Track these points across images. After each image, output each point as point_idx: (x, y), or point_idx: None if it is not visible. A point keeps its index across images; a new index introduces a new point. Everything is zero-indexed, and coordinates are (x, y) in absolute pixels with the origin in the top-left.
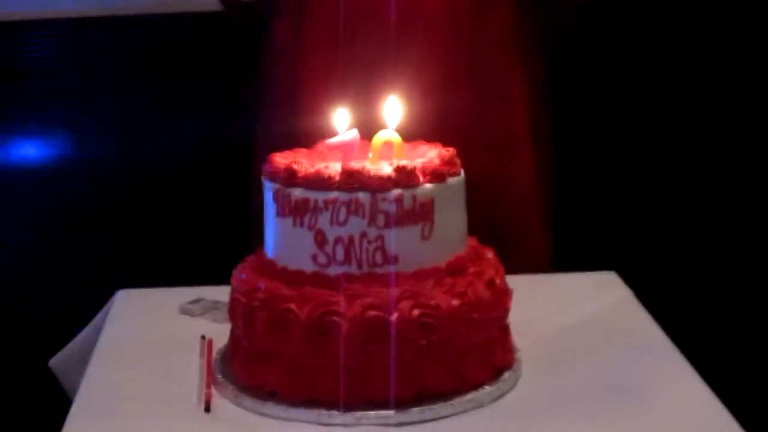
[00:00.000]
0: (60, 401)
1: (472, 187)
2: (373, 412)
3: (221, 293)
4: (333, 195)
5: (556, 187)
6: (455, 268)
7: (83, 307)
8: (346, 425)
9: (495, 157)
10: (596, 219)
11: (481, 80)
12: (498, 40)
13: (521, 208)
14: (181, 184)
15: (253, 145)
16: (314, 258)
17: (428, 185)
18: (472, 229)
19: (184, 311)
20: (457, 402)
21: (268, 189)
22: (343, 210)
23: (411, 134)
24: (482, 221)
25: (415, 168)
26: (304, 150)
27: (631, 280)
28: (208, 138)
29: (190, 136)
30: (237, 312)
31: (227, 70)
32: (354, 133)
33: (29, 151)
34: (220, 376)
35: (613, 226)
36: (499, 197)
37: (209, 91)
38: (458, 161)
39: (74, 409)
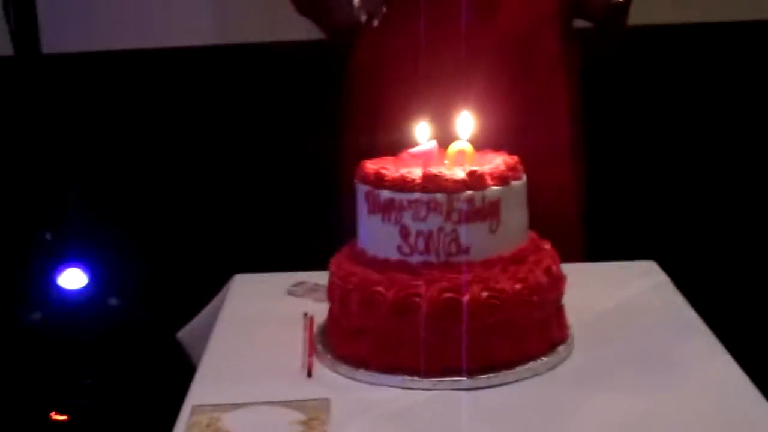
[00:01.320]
0: (186, 369)
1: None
2: (448, 378)
3: (321, 278)
4: (415, 196)
5: (593, 185)
6: (518, 258)
7: (207, 288)
8: (425, 389)
9: (542, 164)
10: (635, 210)
11: (534, 98)
12: (547, 65)
13: (564, 205)
14: (291, 187)
15: (346, 155)
16: (399, 248)
17: (495, 188)
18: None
19: (290, 293)
20: (519, 370)
21: (361, 190)
22: (424, 208)
23: (481, 144)
24: (533, 218)
25: (484, 173)
26: (390, 158)
27: (669, 269)
28: (313, 149)
29: (297, 149)
30: (334, 293)
31: (323, 90)
32: (433, 144)
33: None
34: (320, 347)
35: (652, 216)
36: (545, 199)
37: (311, 108)
38: (521, 167)
39: (198, 375)
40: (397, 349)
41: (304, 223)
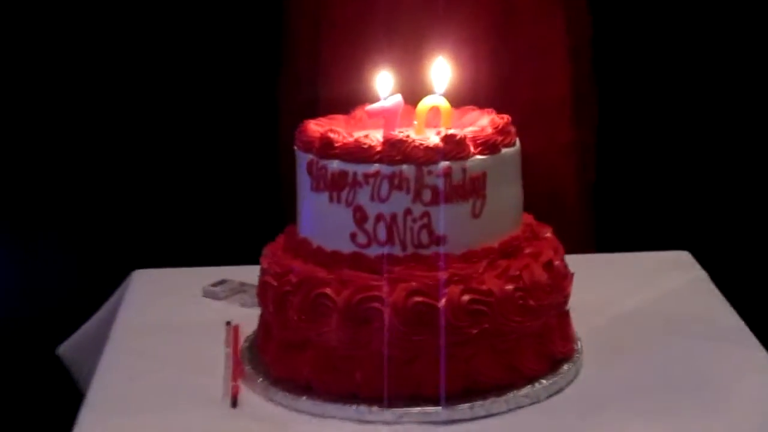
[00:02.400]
0: (71, 394)
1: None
2: (418, 409)
3: (249, 274)
4: (374, 167)
5: (605, 155)
6: (509, 249)
7: (96, 289)
8: (387, 423)
9: (543, 124)
10: (667, 194)
11: (528, 41)
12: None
13: (569, 180)
14: (201, 152)
15: (283, 111)
16: (353, 237)
17: (480, 157)
18: (527, 205)
19: (207, 294)
20: (511, 397)
21: (302, 160)
22: (386, 184)
23: (460, 100)
24: (529, 196)
25: (465, 137)
26: (341, 117)
27: (706, 260)
28: (237, 105)
29: (210, 97)
30: (267, 296)
31: (247, 21)
32: (397, 99)
33: None
34: (248, 368)
35: (685, 202)
36: (546, 169)
37: (230, 46)
38: (513, 129)
39: (87, 403)
40: (352, 369)
41: (225, 203)
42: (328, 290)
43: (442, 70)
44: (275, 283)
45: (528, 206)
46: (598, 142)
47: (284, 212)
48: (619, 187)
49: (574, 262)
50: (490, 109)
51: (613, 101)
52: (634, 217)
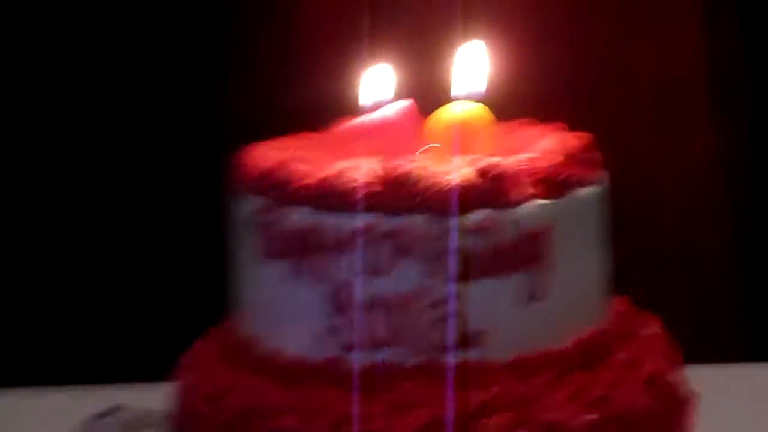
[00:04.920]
0: None
1: (614, 201)
2: None
3: (153, 398)
4: (364, 219)
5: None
6: (589, 355)
7: None
8: None
9: (650, 147)
10: None
11: (625, 14)
12: None
13: (691, 237)
14: (94, 195)
15: (224, 127)
16: (330, 335)
17: (541, 202)
18: (620, 280)
19: (90, 430)
20: None
21: (245, 208)
22: (384, 247)
23: (506, 108)
24: (631, 263)
25: (516, 170)
26: (314, 135)
27: None
28: (149, 118)
29: (115, 119)
30: None
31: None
32: (404, 106)
33: None
34: None
35: None
36: (660, 219)
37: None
38: (597, 157)
39: None
40: None
41: (124, 279)
42: (289, 421)
43: (476, 62)
44: (204, 411)
45: (622, 282)
46: (756, 159)
47: (219, 294)
48: None
49: (703, 377)
50: (558, 123)
51: None
52: None
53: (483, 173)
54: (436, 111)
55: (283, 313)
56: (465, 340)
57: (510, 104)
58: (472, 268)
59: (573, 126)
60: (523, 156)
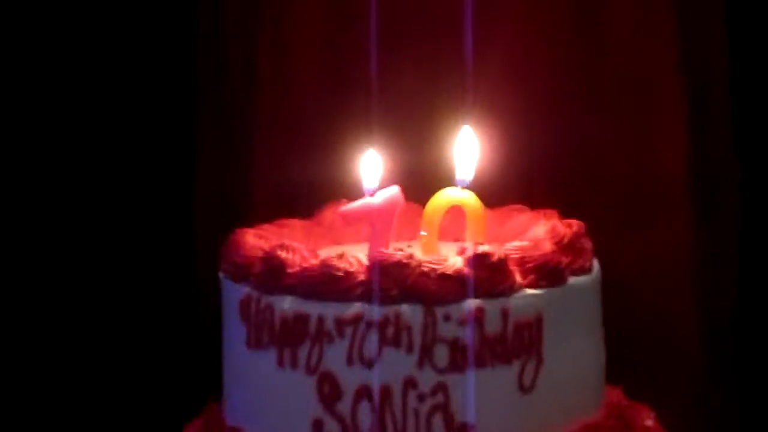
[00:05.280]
0: None
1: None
2: None
3: None
4: (353, 309)
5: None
6: None
7: None
8: None
9: (644, 229)
10: None
11: (610, 98)
12: (634, 24)
13: (684, 324)
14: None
15: (200, 216)
16: (316, 427)
17: (532, 291)
18: (611, 369)
19: None
20: None
21: (232, 296)
22: (373, 337)
23: (497, 193)
24: (618, 353)
25: (507, 257)
26: (297, 222)
27: None
28: (121, 199)
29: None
30: None
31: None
32: (392, 192)
33: None
34: None
35: None
36: (649, 305)
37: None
38: (589, 245)
39: None
40: None
41: (98, 365)
42: None
43: (467, 146)
44: None
45: (615, 372)
46: (742, 251)
47: (202, 382)
48: None
49: None
50: (549, 210)
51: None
52: None
53: (473, 263)
54: (427, 198)
55: (269, 404)
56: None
57: (501, 189)
58: (460, 359)
59: (563, 211)
60: (515, 244)
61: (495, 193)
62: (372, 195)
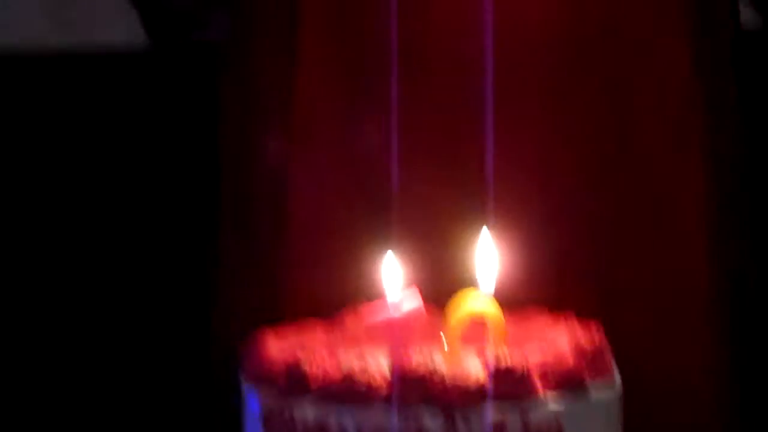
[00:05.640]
0: None
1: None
2: None
3: None
4: (376, 415)
5: None
6: None
7: None
8: None
9: (666, 343)
10: None
11: (635, 209)
12: (660, 110)
13: None
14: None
15: (217, 322)
16: None
17: (552, 401)
18: None
19: None
20: None
21: (254, 403)
22: None
23: (518, 298)
24: None
25: (529, 367)
26: (320, 329)
27: None
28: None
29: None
30: None
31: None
32: (414, 300)
33: None
34: None
35: None
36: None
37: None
38: (609, 356)
39: None
40: None
41: None
42: None
43: (488, 253)
44: None
45: None
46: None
47: None
48: None
49: None
50: (569, 316)
51: None
52: None
53: (498, 370)
54: (447, 303)
55: None
56: None
57: (519, 295)
58: None
59: (581, 317)
60: (534, 351)
61: (514, 295)
62: (394, 305)
